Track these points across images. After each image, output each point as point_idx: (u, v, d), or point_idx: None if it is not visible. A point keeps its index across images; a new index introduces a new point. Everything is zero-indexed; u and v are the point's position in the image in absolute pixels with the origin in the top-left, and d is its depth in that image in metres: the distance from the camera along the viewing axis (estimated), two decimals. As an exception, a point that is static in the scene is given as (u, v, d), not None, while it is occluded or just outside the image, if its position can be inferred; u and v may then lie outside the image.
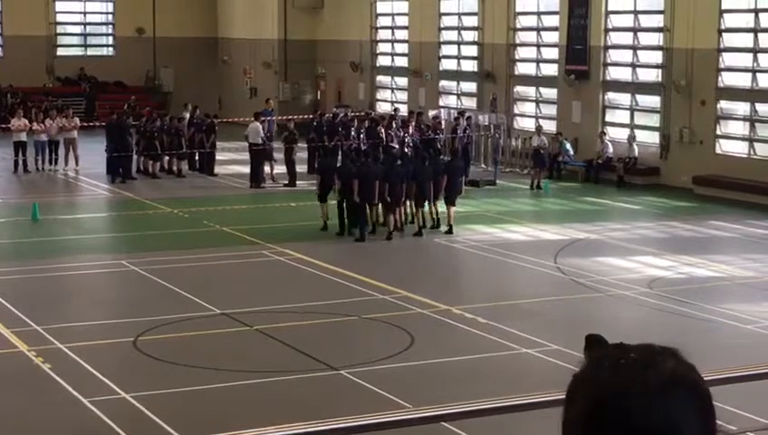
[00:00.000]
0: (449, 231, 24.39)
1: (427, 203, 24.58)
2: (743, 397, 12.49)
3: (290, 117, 35.07)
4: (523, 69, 37.66)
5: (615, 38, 34.21)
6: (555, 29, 35.83)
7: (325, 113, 36.26)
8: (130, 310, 17.89)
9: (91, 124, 38.05)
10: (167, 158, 33.84)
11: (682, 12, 30.95)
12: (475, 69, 39.26)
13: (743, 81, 30.55)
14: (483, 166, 34.28)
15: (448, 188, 24.54)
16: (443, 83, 41.08)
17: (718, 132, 30.98)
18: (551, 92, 36.38)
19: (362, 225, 23.89)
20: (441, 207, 24.81)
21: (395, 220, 24.15)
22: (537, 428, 11.72)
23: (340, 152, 28.04)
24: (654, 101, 32.92)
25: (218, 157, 35.01)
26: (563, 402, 1.94)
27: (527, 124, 36.58)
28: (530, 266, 21.38)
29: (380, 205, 24.18)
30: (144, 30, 50.41)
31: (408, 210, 24.78)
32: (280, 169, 32.16)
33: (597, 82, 34.10)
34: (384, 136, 32.03)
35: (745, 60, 30.54)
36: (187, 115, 35.14)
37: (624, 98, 34.13)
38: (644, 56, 33.50)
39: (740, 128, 31.16)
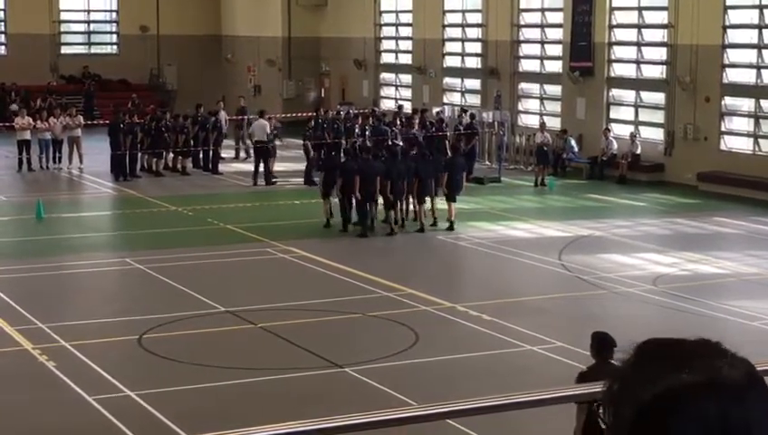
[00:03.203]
0: (450, 227, 24.37)
1: (429, 200, 24.59)
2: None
3: (310, 114, 35.13)
4: (527, 66, 37.63)
5: (619, 35, 34.16)
6: (559, 26, 35.79)
7: (329, 110, 36.28)
8: (135, 308, 17.89)
9: (90, 123, 37.87)
10: (171, 156, 33.86)
11: (686, 8, 30.89)
12: (479, 66, 39.23)
13: (747, 77, 30.50)
14: (487, 163, 34.28)
15: (449, 185, 24.53)
16: (447, 80, 41.05)
17: (723, 129, 30.94)
18: (555, 89, 36.34)
19: (364, 220, 23.94)
20: (441, 204, 24.80)
21: (396, 217, 24.18)
22: (541, 425, 11.70)
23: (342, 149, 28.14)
24: (658, 97, 32.87)
25: (222, 154, 35.02)
26: (612, 402, 1.87)
27: (531, 121, 36.54)
28: (534, 263, 21.36)
29: (382, 201, 24.20)
30: (148, 28, 50.40)
31: (411, 207, 24.78)
32: (289, 165, 32.19)
33: (601, 79, 34.05)
34: (389, 133, 32.03)
35: (750, 56, 30.48)
36: (223, 113, 35.45)
37: (628, 95, 34.10)
38: (648, 53, 33.46)
39: (744, 124, 31.11)
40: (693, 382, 1.79)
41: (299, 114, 39.55)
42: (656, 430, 1.80)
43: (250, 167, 33.59)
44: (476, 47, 39.57)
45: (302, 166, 32.72)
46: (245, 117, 36.95)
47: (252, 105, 39.68)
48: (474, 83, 39.80)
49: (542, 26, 36.99)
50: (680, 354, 1.85)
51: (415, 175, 24.19)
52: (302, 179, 31.18)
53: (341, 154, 27.40)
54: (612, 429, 1.85)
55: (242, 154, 36.94)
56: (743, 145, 30.75)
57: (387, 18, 44.60)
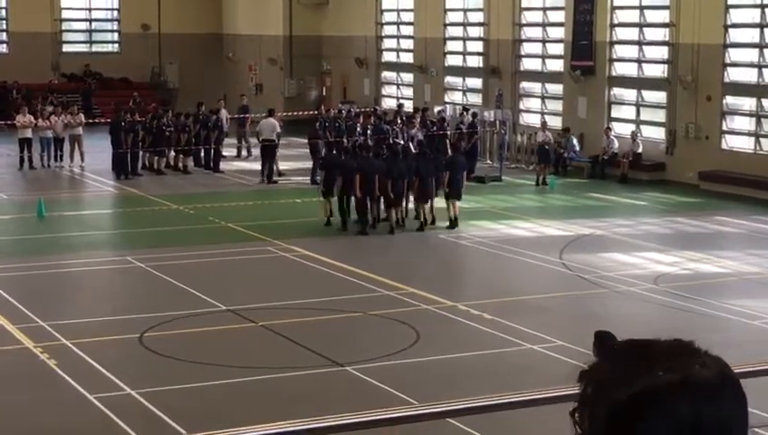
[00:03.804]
0: (453, 226, 24.37)
1: (429, 199, 24.59)
2: (748, 393, 12.45)
3: (313, 112, 35.17)
4: (528, 65, 37.62)
5: (621, 33, 34.15)
6: (561, 25, 35.78)
7: (331, 109, 36.29)
8: (136, 306, 17.89)
9: (90, 121, 37.72)
10: (172, 154, 33.86)
11: (688, 7, 30.88)
12: (481, 65, 39.23)
13: (749, 76, 30.48)
14: (488, 162, 34.27)
15: (450, 184, 24.53)
16: (448, 79, 41.04)
17: (724, 128, 30.93)
18: (556, 88, 36.33)
19: (364, 219, 23.97)
20: (442, 202, 24.80)
21: (398, 215, 24.20)
22: (542, 424, 11.70)
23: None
24: (660, 96, 32.87)
25: (224, 153, 35.02)
26: (587, 404, 1.87)
27: (533, 120, 36.54)
28: (535, 262, 21.36)
29: (383, 200, 24.21)
30: (149, 26, 50.42)
31: (411, 206, 24.77)
32: (291, 164, 32.19)
33: (602, 78, 34.04)
34: (390, 132, 32.03)
35: (751, 55, 30.48)
36: (224, 112, 35.55)
37: (630, 94, 34.09)
38: (650, 52, 33.45)
39: (746, 123, 31.11)
40: (667, 382, 1.80)
41: (300, 113, 39.56)
42: (629, 430, 1.80)
43: (251, 165, 33.62)
44: (478, 46, 39.57)
45: (301, 164, 32.75)
46: (248, 115, 36.92)
47: (253, 104, 39.70)
48: (475, 82, 39.79)
49: (543, 25, 36.99)
50: (653, 354, 1.85)
51: (415, 174, 24.20)
52: (309, 178, 30.97)
53: (342, 153, 27.39)
54: (588, 431, 1.85)
55: (243, 153, 36.94)
56: (744, 144, 30.74)
57: (388, 17, 44.59)
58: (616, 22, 34.03)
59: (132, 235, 24.38)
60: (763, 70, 29.98)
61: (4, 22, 49.77)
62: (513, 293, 19.10)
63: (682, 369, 1.82)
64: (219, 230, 24.42)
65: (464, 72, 40.34)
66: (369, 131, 32.43)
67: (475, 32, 39.81)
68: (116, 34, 52.07)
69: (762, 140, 30.11)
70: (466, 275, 22.05)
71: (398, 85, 44.10)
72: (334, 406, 12.50)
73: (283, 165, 32.47)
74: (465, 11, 40.40)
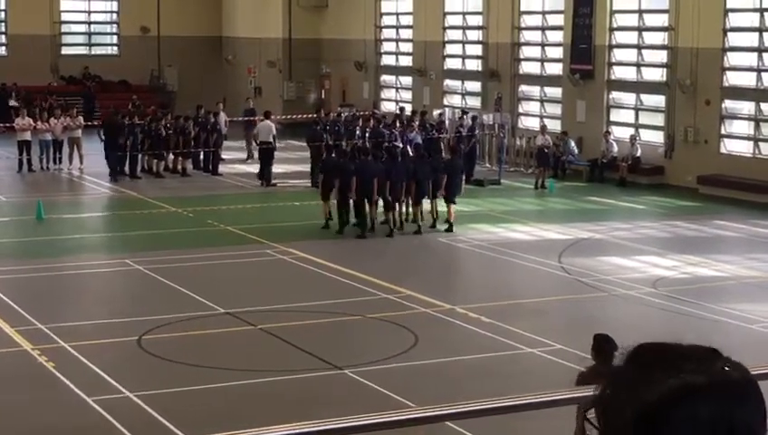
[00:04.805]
0: (449, 229, 24.38)
1: (426, 201, 24.60)
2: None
3: (315, 115, 35.14)
4: (527, 68, 37.63)
5: (620, 37, 34.17)
6: (560, 28, 35.80)
7: (330, 112, 36.28)
8: (134, 309, 17.89)
9: (91, 124, 37.64)
10: (171, 157, 33.83)
11: (687, 11, 30.91)
12: (480, 68, 39.24)
13: (747, 80, 30.51)
14: (487, 165, 34.27)
15: (448, 187, 24.54)
16: (447, 82, 41.05)
17: (723, 132, 30.94)
18: (555, 92, 36.35)
19: (363, 222, 23.97)
20: (440, 205, 24.81)
21: (395, 218, 24.20)
22: (541, 427, 11.69)
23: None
24: (659, 100, 32.88)
25: (223, 156, 35.00)
26: (607, 404, 1.87)
27: (532, 123, 36.55)
28: (534, 266, 21.35)
29: (380, 202, 24.22)
30: (148, 29, 50.40)
31: (409, 209, 24.78)
32: (289, 167, 32.16)
33: (601, 82, 34.06)
34: (388, 135, 32.01)
35: (750, 59, 30.50)
36: (222, 115, 35.45)
37: (629, 97, 34.10)
38: (649, 55, 33.47)
39: (745, 127, 31.13)
40: (697, 383, 1.80)
41: (299, 116, 39.55)
42: (655, 431, 1.80)
43: (250, 168, 33.59)
44: (477, 49, 39.57)
45: (300, 167, 32.73)
46: (255, 118, 36.77)
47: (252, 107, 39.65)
48: (474, 86, 39.80)
49: (542, 29, 37.00)
50: (678, 357, 1.86)
51: (412, 176, 24.20)
52: (307, 181, 30.93)
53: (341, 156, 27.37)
54: (608, 432, 1.85)
55: (243, 155, 36.93)
56: (743, 148, 30.76)
57: (387, 20, 44.60)
58: (615, 25, 34.05)
59: (131, 237, 24.35)
60: (762, 74, 30.00)
61: (3, 24, 49.73)
62: (511, 296, 19.10)
63: (709, 371, 1.83)
64: (218, 233, 24.42)
65: (463, 75, 40.35)
66: (367, 134, 32.43)
67: (475, 35, 39.82)
68: (115, 37, 52.04)
69: (760, 144, 30.12)
70: (465, 279, 22.04)
71: (397, 88, 44.11)
72: (332, 409, 12.49)
73: (277, 168, 32.31)
74: (464, 14, 40.40)
